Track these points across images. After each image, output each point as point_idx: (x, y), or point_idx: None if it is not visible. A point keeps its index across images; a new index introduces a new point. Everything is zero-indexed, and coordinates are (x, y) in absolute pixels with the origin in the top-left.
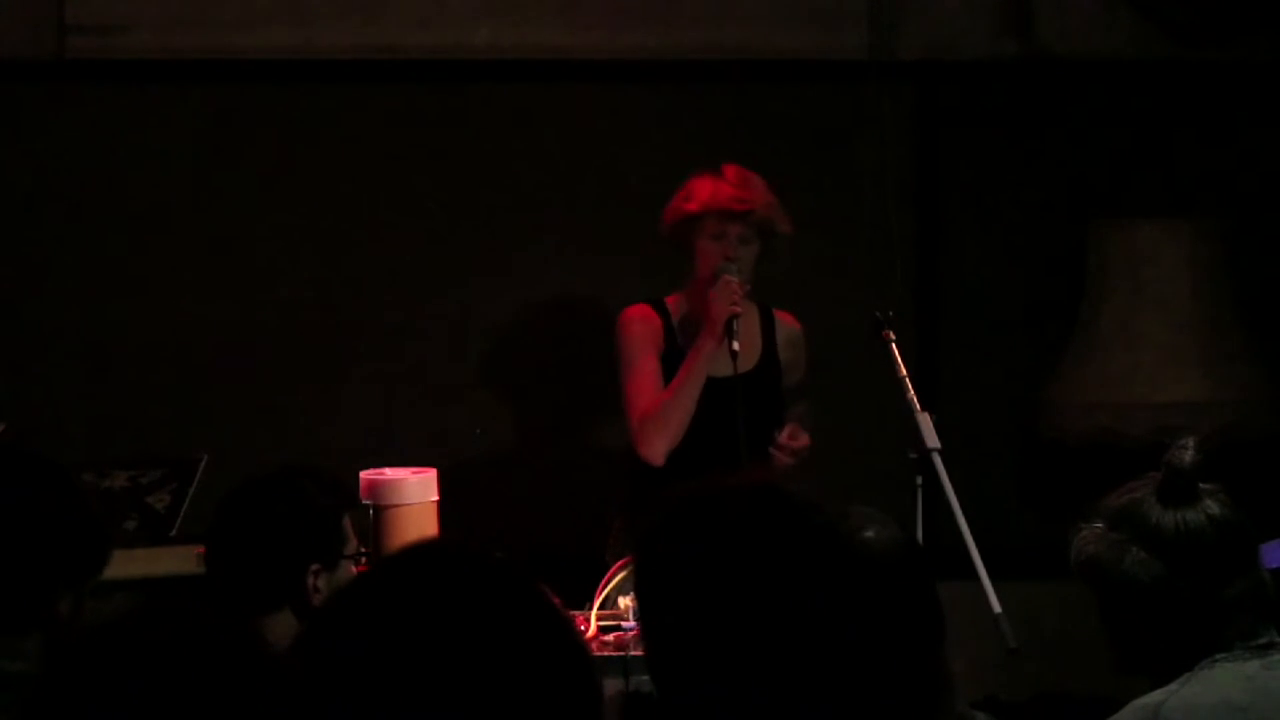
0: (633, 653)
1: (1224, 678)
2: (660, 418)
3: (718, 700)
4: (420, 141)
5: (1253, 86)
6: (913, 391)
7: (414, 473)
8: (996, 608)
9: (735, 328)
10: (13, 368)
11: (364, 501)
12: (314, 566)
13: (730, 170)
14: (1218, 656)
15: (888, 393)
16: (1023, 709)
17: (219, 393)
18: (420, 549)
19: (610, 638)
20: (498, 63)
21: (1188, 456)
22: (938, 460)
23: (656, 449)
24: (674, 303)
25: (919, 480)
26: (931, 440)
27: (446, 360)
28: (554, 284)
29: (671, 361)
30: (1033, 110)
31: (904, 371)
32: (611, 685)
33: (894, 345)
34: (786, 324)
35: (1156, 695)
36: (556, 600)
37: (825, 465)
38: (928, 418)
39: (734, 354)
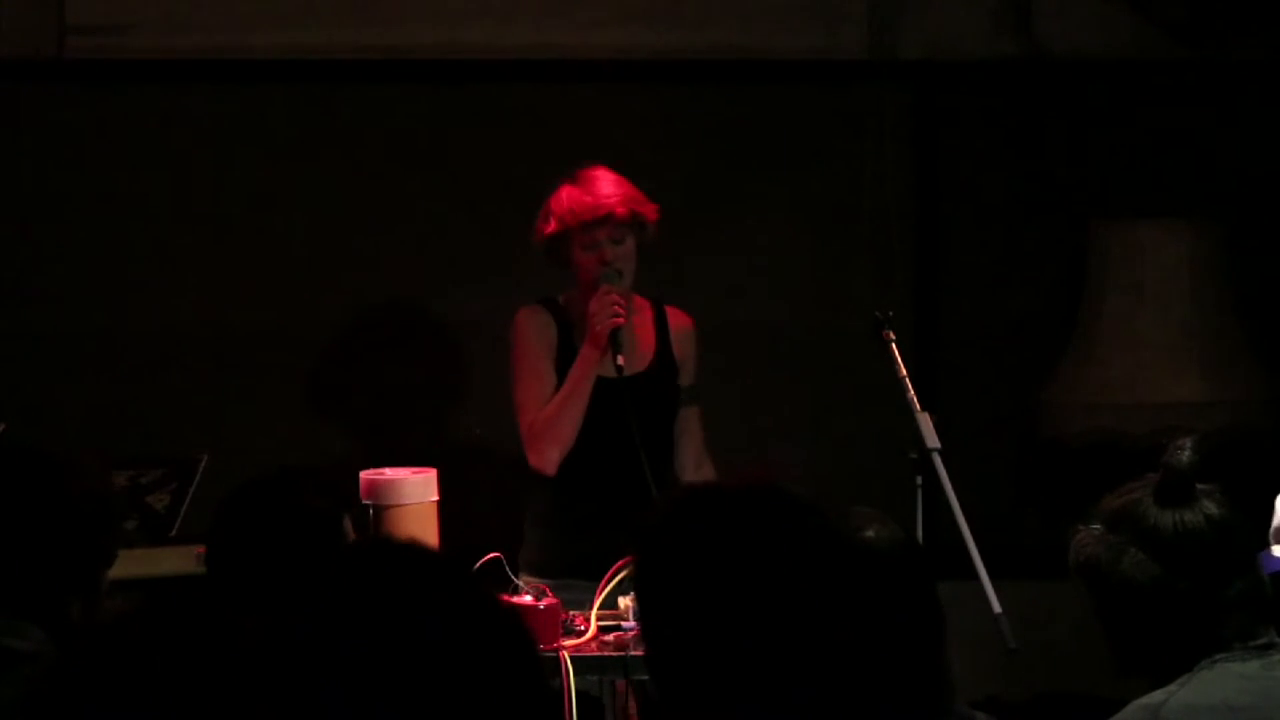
0: (633, 653)
1: (1224, 678)
2: (548, 428)
3: (718, 700)
4: (420, 141)
5: (1253, 86)
6: (913, 391)
7: (414, 473)
8: (996, 608)
9: (620, 340)
10: (13, 368)
11: (364, 501)
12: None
13: (585, 174)
14: (1217, 657)
15: (888, 393)
16: (1023, 709)
17: (219, 393)
18: (362, 548)
19: (610, 638)
20: (498, 63)
21: (1185, 457)
22: (938, 460)
23: (548, 458)
24: (567, 301)
25: (919, 480)
26: (931, 440)
27: (446, 360)
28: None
29: (566, 362)
30: (1033, 110)
31: (904, 371)
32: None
33: (894, 345)
34: (679, 321)
35: (1156, 696)
36: (504, 598)
37: (825, 465)
38: (928, 418)
39: (619, 368)
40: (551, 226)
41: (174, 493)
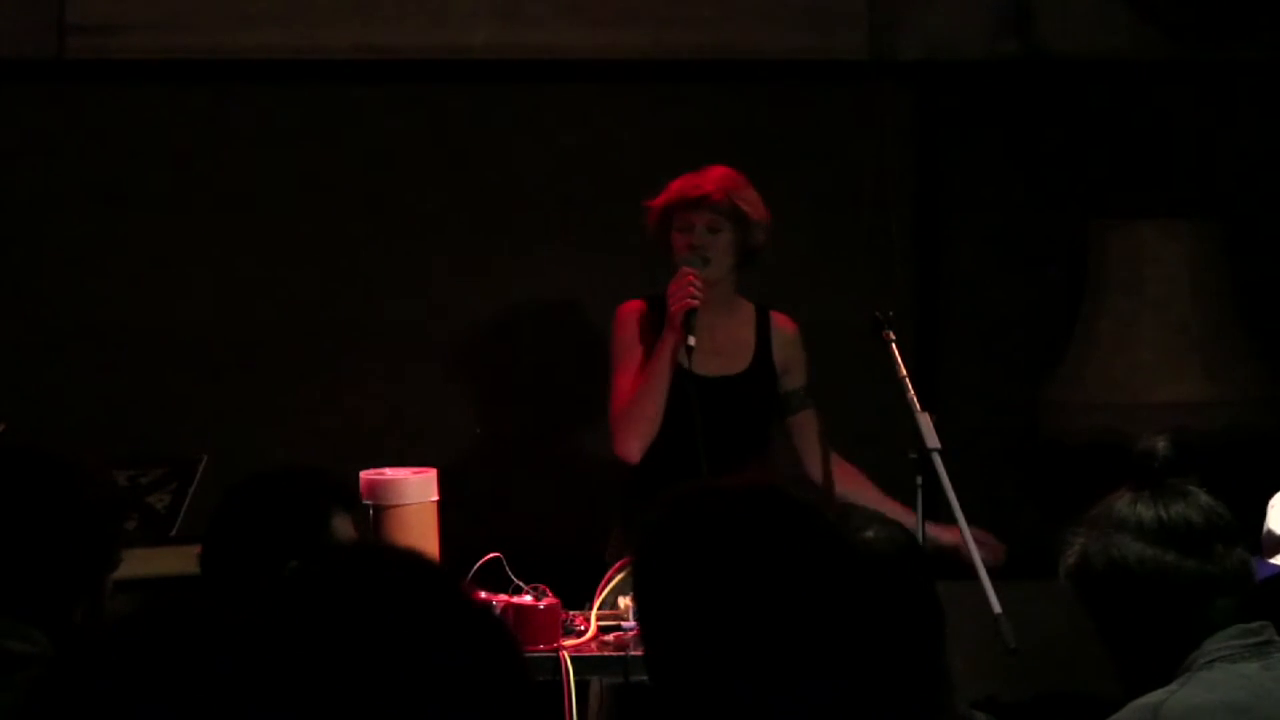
0: (633, 653)
1: (1223, 678)
2: (626, 415)
3: (717, 700)
4: (420, 141)
5: (1253, 86)
6: (913, 391)
7: (414, 473)
8: (996, 608)
9: (694, 323)
10: (13, 367)
11: (364, 501)
12: (293, 564)
13: (709, 168)
14: (1215, 657)
15: (888, 393)
16: (1023, 709)
17: (219, 393)
18: (345, 552)
19: (610, 638)
20: (498, 63)
21: (1158, 445)
22: (938, 460)
23: (629, 446)
24: None
25: (919, 480)
26: (931, 440)
27: (447, 360)
28: (555, 284)
29: None
30: (1033, 110)
31: (904, 371)
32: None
33: (894, 345)
34: (782, 326)
35: (1156, 695)
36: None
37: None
38: (928, 418)
39: (689, 349)
40: (657, 202)
41: (174, 493)
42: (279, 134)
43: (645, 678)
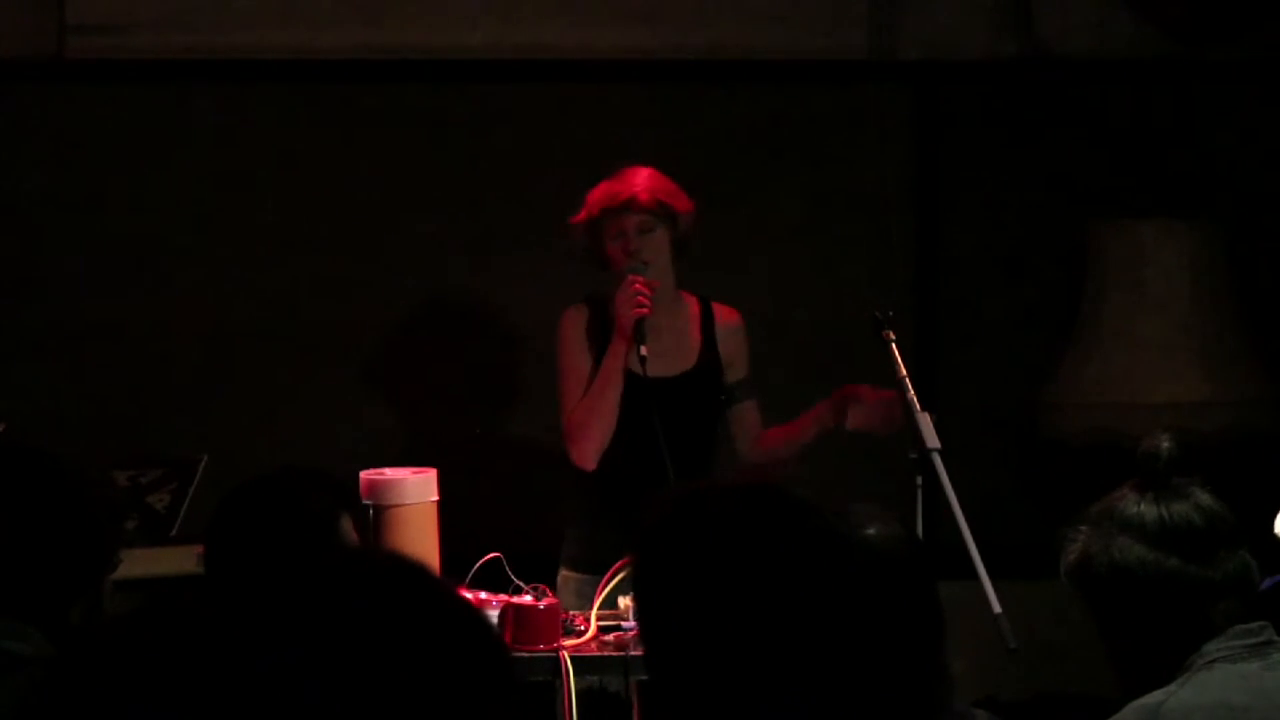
0: (633, 653)
1: (1223, 678)
2: (583, 425)
3: (716, 700)
4: (420, 141)
5: (1253, 86)
6: (913, 391)
7: (414, 473)
8: (996, 608)
9: (644, 331)
10: (13, 368)
11: (364, 501)
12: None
13: (624, 170)
14: (1215, 657)
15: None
16: (1023, 709)
17: (219, 393)
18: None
19: (610, 638)
20: (498, 63)
21: (1163, 445)
22: (938, 460)
23: (584, 453)
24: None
25: (919, 480)
26: (931, 440)
27: (447, 360)
28: (554, 283)
29: None
30: (1032, 110)
31: (904, 371)
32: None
33: (894, 345)
34: (726, 318)
35: (1156, 695)
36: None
37: (825, 465)
38: (928, 418)
39: (642, 359)
40: (581, 215)
41: (174, 493)
42: (279, 134)
43: (645, 677)
